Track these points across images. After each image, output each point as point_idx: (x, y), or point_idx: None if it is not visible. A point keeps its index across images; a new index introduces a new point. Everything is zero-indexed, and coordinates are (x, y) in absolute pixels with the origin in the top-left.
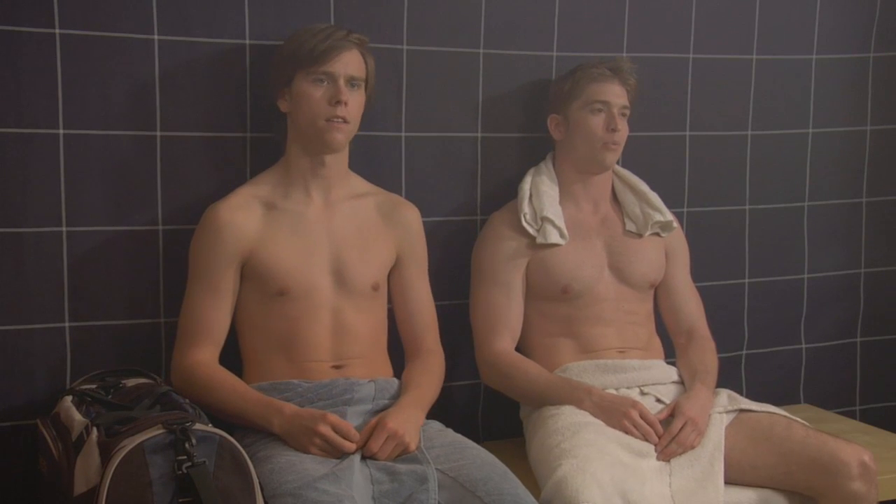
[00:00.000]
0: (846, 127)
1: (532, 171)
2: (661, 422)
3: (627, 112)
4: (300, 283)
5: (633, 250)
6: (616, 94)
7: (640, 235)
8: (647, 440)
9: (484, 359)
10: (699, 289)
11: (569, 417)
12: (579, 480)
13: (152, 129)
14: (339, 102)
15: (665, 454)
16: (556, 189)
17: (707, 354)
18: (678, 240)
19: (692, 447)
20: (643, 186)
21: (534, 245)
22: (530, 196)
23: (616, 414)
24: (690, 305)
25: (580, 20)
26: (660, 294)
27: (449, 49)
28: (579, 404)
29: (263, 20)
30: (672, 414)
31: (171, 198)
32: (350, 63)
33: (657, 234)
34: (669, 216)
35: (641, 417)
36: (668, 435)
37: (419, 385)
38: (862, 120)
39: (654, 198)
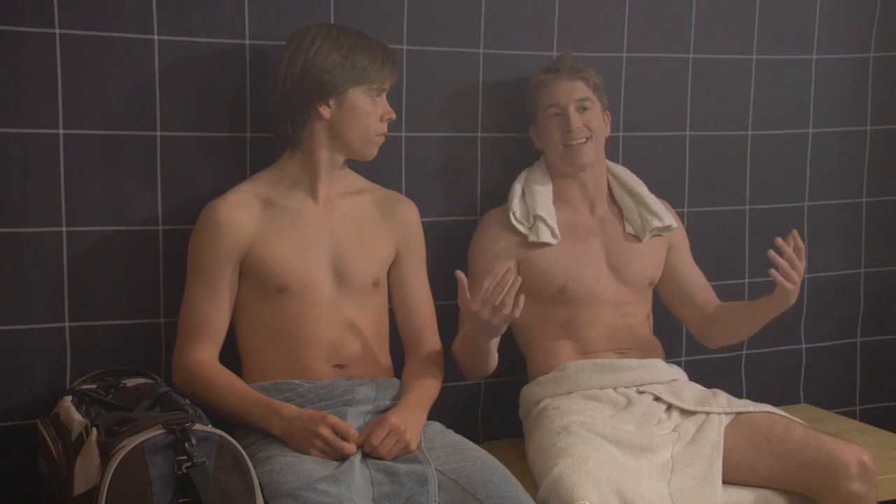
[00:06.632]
0: (846, 127)
1: (526, 171)
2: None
3: (590, 103)
4: (299, 279)
5: (632, 251)
6: (565, 92)
7: (639, 239)
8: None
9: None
10: None
11: (566, 417)
12: (575, 478)
13: (152, 129)
14: (389, 119)
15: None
16: (550, 189)
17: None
18: (679, 231)
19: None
20: (641, 189)
21: (525, 244)
22: (522, 194)
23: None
24: (702, 282)
25: (580, 20)
26: (668, 283)
27: (449, 49)
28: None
29: (263, 20)
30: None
31: (170, 197)
32: None
33: (657, 235)
34: (668, 220)
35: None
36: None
37: (420, 385)
38: (862, 120)
39: (652, 201)
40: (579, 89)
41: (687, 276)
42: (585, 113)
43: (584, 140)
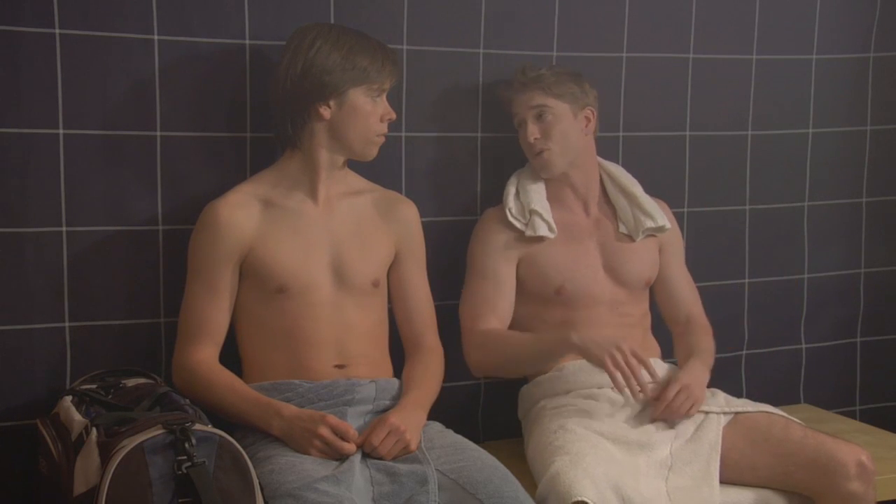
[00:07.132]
0: (846, 127)
1: (517, 173)
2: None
3: (548, 109)
4: (299, 279)
5: (628, 251)
6: (521, 103)
7: (632, 239)
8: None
9: (470, 341)
10: (699, 289)
11: (564, 415)
12: (572, 475)
13: (152, 129)
14: (389, 120)
15: (659, 416)
16: (542, 187)
17: (704, 337)
18: (672, 232)
19: (688, 415)
20: (635, 189)
21: (523, 239)
22: (516, 193)
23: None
24: (687, 294)
25: (580, 20)
26: (656, 285)
27: (449, 49)
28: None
29: (263, 20)
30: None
31: (170, 198)
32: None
33: (651, 235)
34: (661, 221)
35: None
36: (663, 400)
37: (420, 385)
38: (862, 120)
39: (646, 201)
40: (535, 97)
41: (672, 278)
42: (544, 120)
43: (541, 151)
